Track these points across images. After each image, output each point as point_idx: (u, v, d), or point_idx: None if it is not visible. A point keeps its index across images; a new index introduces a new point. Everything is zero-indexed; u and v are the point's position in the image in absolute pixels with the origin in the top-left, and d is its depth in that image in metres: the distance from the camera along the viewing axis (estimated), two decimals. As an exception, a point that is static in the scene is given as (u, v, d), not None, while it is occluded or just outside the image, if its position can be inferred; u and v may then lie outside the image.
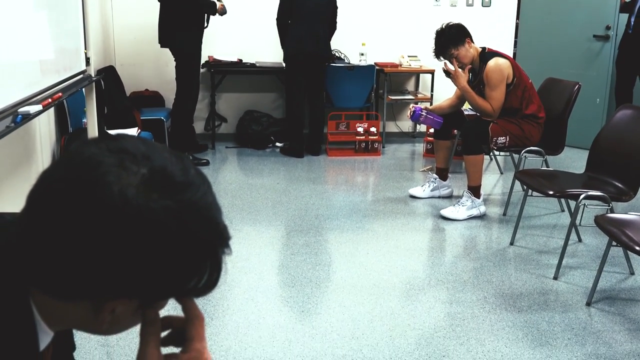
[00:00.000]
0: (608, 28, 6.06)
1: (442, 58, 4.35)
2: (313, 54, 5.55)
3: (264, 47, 6.07)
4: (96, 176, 0.73)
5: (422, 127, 6.53)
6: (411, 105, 4.64)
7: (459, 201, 4.28)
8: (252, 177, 5.12)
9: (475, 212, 4.23)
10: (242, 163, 5.51)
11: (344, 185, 4.96)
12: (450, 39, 4.25)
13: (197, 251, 0.77)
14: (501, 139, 4.25)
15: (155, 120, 5.34)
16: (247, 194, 4.62)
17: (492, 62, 4.19)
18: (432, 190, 4.60)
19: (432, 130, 5.86)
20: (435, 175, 4.64)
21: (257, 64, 5.94)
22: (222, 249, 0.82)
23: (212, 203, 0.80)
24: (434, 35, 4.33)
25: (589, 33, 6.14)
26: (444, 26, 4.31)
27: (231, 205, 4.31)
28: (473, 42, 4.31)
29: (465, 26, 4.33)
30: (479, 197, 4.28)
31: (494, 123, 4.24)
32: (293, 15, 5.52)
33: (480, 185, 4.30)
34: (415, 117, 4.46)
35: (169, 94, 6.04)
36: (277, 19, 5.58)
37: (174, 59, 5.17)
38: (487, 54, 4.27)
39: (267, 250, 3.66)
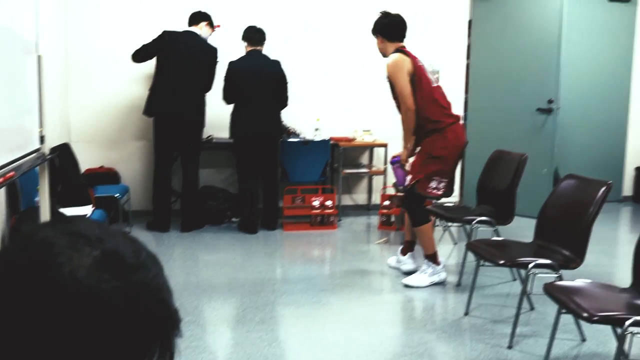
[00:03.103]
0: (550, 102, 6.37)
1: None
2: (260, 136, 5.53)
3: (220, 123, 6.15)
4: (48, 257, 0.75)
5: (376, 200, 6.63)
6: (395, 152, 4.67)
7: (420, 269, 4.33)
8: (208, 253, 5.09)
9: (436, 278, 4.28)
10: (198, 239, 5.48)
11: (300, 260, 4.97)
12: (377, 26, 4.40)
13: (146, 333, 0.79)
14: (432, 185, 4.26)
15: (109, 197, 5.31)
16: (203, 270, 4.59)
17: (388, 60, 4.30)
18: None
19: (386, 202, 5.98)
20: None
21: (214, 140, 6.01)
22: (173, 331, 0.83)
23: (163, 285, 0.82)
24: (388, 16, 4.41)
25: (533, 107, 6.44)
26: (395, 15, 4.41)
27: (186, 283, 4.26)
28: (397, 42, 4.35)
29: (401, 27, 4.40)
30: (438, 264, 4.33)
31: (416, 182, 4.27)
32: (238, 95, 5.48)
33: (435, 252, 4.36)
34: (393, 162, 4.56)
35: (125, 170, 6.06)
36: (223, 99, 5.58)
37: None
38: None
39: (221, 328, 3.61)
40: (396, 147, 6.56)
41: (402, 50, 4.32)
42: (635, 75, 7.26)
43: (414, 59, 4.31)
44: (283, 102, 5.67)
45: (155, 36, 5.43)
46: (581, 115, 7.10)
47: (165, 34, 5.42)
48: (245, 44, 5.59)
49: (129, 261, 0.79)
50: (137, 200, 6.03)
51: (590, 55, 7.04)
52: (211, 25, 5.65)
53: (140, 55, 5.47)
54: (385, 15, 4.43)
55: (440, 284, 4.27)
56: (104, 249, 0.78)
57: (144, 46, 5.44)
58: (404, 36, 4.43)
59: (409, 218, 4.46)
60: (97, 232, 0.80)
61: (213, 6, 5.95)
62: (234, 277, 4.43)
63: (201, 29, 5.56)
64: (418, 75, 4.25)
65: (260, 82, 5.46)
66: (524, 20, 6.48)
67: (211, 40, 5.66)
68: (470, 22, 6.78)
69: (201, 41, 5.52)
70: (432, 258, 4.32)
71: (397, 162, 4.51)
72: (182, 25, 5.61)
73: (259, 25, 5.71)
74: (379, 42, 4.42)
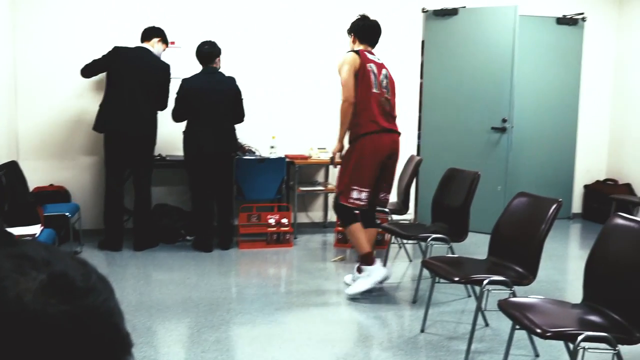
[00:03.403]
0: (504, 121, 6.53)
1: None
2: (215, 153, 5.46)
3: (173, 141, 6.08)
4: None
5: (332, 217, 6.63)
6: None
7: (354, 277, 4.36)
8: (162, 272, 5.00)
9: (375, 278, 4.32)
10: (151, 258, 5.38)
11: (256, 278, 4.92)
12: (353, 26, 4.59)
13: (97, 358, 0.76)
14: (354, 195, 4.30)
15: (59, 216, 5.17)
16: (156, 290, 4.50)
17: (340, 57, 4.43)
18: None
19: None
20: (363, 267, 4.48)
21: (167, 158, 5.93)
22: (125, 356, 0.80)
23: (114, 309, 0.79)
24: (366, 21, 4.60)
25: (488, 125, 6.58)
26: (371, 20, 4.59)
27: (138, 303, 4.17)
28: (365, 45, 4.50)
29: (373, 32, 4.58)
30: (372, 264, 4.34)
31: (339, 193, 4.39)
32: (192, 112, 5.41)
33: (369, 252, 4.37)
34: None
35: (76, 188, 5.92)
36: (172, 117, 5.53)
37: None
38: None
39: (176, 349, 3.53)
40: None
41: (358, 52, 4.41)
42: (582, 95, 7.48)
43: (365, 60, 4.35)
44: (239, 118, 5.61)
45: (105, 52, 5.36)
46: (533, 135, 7.27)
47: (116, 50, 5.35)
48: (199, 61, 5.55)
49: (78, 284, 0.76)
50: (88, 219, 5.90)
51: (541, 76, 7.23)
52: (164, 41, 5.59)
53: (89, 71, 5.40)
54: (362, 18, 4.59)
55: (391, 305, 4.27)
56: (52, 272, 0.75)
57: (94, 61, 5.37)
58: (375, 41, 4.56)
59: (339, 219, 4.51)
60: (44, 255, 0.77)
61: (167, 22, 5.91)
62: (188, 297, 4.36)
63: (153, 46, 5.49)
64: (360, 75, 4.29)
65: (214, 99, 5.40)
66: (478, 40, 6.62)
67: (167, 58, 5.60)
68: (423, 42, 6.88)
69: (153, 58, 5.45)
70: (366, 258, 4.35)
71: None
72: (134, 41, 5.54)
73: (220, 43, 5.68)
74: (352, 42, 4.55)
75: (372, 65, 4.37)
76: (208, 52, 5.49)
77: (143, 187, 5.53)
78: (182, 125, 5.60)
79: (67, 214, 5.21)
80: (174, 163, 5.92)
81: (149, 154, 5.55)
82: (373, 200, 4.46)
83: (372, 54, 4.48)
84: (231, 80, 5.54)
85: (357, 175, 4.29)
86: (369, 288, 4.32)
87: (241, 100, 5.58)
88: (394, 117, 4.48)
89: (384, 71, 4.44)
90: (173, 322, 3.89)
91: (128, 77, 5.31)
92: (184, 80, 5.46)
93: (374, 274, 4.33)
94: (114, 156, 5.44)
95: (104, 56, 5.35)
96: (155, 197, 5.86)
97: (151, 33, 5.51)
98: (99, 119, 5.38)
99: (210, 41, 5.55)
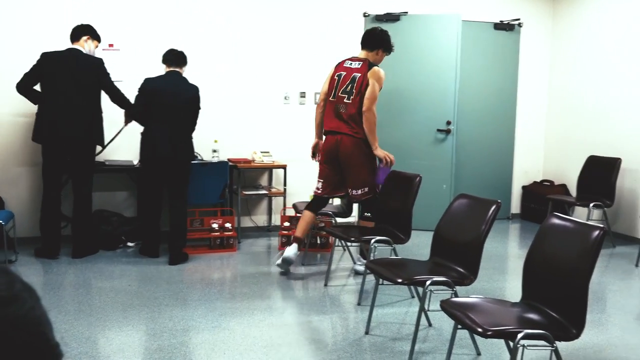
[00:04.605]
0: (449, 123, 6.71)
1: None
2: (169, 159, 5.29)
3: (114, 145, 5.95)
4: None
5: (276, 221, 6.62)
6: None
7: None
8: (102, 280, 4.88)
9: (289, 252, 4.99)
10: (91, 265, 5.24)
11: (199, 284, 4.85)
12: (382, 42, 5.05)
13: None
14: (317, 185, 5.11)
15: (-7, 223, 4.99)
16: (96, 298, 4.38)
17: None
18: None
19: (286, 223, 5.97)
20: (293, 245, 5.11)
21: (107, 163, 5.80)
22: (53, 367, 0.77)
23: (40, 318, 0.76)
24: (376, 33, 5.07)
25: (433, 128, 6.74)
26: (379, 30, 5.08)
27: (78, 312, 4.06)
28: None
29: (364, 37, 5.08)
30: (296, 244, 5.05)
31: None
32: (150, 111, 5.28)
33: (300, 238, 5.10)
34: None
35: (10, 196, 5.73)
36: (131, 113, 5.41)
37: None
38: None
39: (116, 359, 3.45)
40: (295, 168, 6.61)
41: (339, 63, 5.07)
42: (520, 99, 7.68)
43: (336, 70, 5.03)
44: (194, 126, 5.48)
45: (35, 61, 5.19)
46: (474, 137, 7.43)
47: (45, 56, 5.19)
48: (164, 65, 5.43)
49: (2, 293, 0.73)
50: (23, 226, 5.71)
51: (481, 79, 7.40)
52: (94, 37, 5.39)
53: (23, 86, 5.19)
54: (385, 32, 5.08)
55: (337, 308, 4.29)
56: None
57: (25, 75, 5.19)
58: (365, 46, 5.07)
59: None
60: None
61: (105, 25, 5.78)
62: (129, 304, 4.27)
63: (83, 45, 5.32)
64: (330, 83, 5.04)
65: (175, 103, 5.26)
66: (421, 46, 6.74)
67: (106, 60, 5.46)
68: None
69: (83, 57, 5.27)
70: (297, 240, 5.07)
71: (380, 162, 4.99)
72: (67, 44, 5.37)
73: (157, 47, 5.59)
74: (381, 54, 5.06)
75: (341, 73, 4.95)
76: (173, 57, 5.39)
77: (83, 193, 5.38)
78: (128, 128, 5.48)
79: (0, 221, 5.03)
80: (114, 168, 5.79)
81: (89, 158, 5.39)
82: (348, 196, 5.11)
83: (354, 60, 5.00)
84: (195, 88, 5.39)
85: (319, 168, 5.14)
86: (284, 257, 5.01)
87: (198, 110, 5.44)
88: (348, 121, 4.87)
89: (353, 75, 4.88)
90: (114, 330, 3.79)
91: (61, 82, 5.16)
92: (147, 80, 5.31)
93: (292, 251, 5.03)
94: (51, 161, 5.29)
95: (33, 66, 5.18)
96: (95, 203, 5.71)
97: (79, 32, 5.33)
98: (35, 128, 5.22)
99: (176, 49, 5.48)
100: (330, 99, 4.96)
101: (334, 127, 4.91)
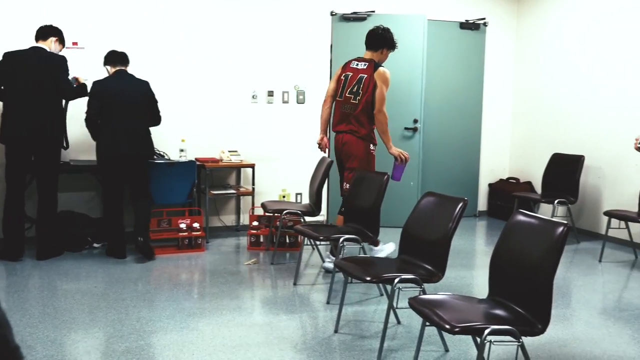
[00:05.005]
0: (416, 121, 6.77)
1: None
2: (128, 157, 5.31)
3: (79, 145, 5.86)
4: None
5: (245, 221, 6.60)
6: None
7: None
8: (67, 282, 4.80)
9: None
10: (56, 267, 5.16)
11: (167, 284, 4.80)
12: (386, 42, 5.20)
13: None
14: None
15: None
16: (62, 300, 4.31)
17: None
18: None
19: (255, 223, 5.95)
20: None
21: (72, 163, 5.71)
22: (13, 370, 0.76)
23: None
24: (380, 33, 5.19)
25: (401, 125, 6.79)
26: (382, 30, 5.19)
27: (42, 315, 3.99)
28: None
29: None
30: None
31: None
32: (104, 112, 5.25)
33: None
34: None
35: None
36: (86, 117, 5.33)
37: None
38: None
39: (83, 361, 3.40)
40: (263, 167, 6.59)
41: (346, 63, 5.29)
42: (486, 97, 7.77)
43: (342, 71, 5.25)
44: (156, 121, 5.54)
45: None
46: (441, 135, 7.50)
47: (6, 56, 5.12)
48: (109, 67, 5.39)
49: None
50: (-14, 228, 5.59)
51: (447, 78, 7.47)
52: (61, 42, 5.33)
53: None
54: (388, 32, 5.21)
55: (306, 307, 4.29)
56: None
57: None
58: (369, 46, 5.23)
59: None
60: None
61: (70, 23, 5.69)
62: (95, 306, 4.21)
63: (50, 46, 5.24)
64: (337, 83, 5.29)
65: (128, 101, 5.28)
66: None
67: (70, 59, 5.38)
68: (331, 47, 6.94)
69: (46, 55, 5.19)
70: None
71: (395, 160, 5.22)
72: (28, 43, 5.27)
73: (123, 46, 5.53)
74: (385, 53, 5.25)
75: (348, 74, 5.16)
76: (117, 57, 5.39)
77: (47, 193, 5.29)
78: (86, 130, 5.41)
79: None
80: (79, 168, 5.70)
81: (53, 157, 5.30)
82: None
83: (360, 60, 5.18)
84: (145, 83, 5.43)
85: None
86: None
87: (156, 103, 5.49)
88: (351, 120, 5.11)
89: (359, 76, 5.08)
90: (80, 333, 3.74)
91: (22, 80, 5.08)
92: (96, 82, 5.29)
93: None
94: (14, 161, 5.19)
95: None
96: (60, 204, 5.62)
97: (48, 32, 5.25)
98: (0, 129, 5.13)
99: (116, 50, 5.47)
100: (337, 98, 5.23)
101: (341, 127, 5.20)
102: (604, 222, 6.18)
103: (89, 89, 5.28)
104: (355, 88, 5.08)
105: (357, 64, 5.17)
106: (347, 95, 5.15)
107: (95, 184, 5.99)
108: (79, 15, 5.87)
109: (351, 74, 5.15)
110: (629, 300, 4.63)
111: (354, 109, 5.10)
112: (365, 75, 5.06)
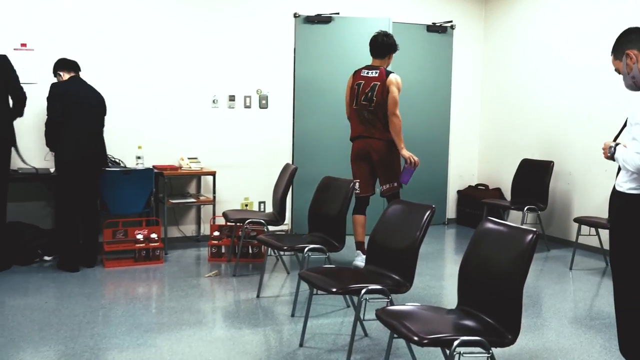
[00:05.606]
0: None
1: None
2: (92, 159, 5.23)
3: (29, 151, 5.60)
4: None
5: (205, 231, 6.41)
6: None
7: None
8: (15, 297, 4.54)
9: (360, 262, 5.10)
10: (3, 282, 4.89)
11: (123, 298, 4.58)
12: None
13: None
14: (355, 186, 5.05)
15: None
16: (8, 318, 4.06)
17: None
18: None
19: (216, 233, 5.76)
20: (358, 251, 5.32)
21: (20, 171, 5.45)
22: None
23: None
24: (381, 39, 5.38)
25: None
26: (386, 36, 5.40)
27: (-14, 334, 3.74)
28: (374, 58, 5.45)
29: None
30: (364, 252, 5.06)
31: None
32: (66, 116, 5.09)
33: (358, 242, 5.35)
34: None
35: None
36: (47, 121, 5.13)
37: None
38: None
39: (28, 384, 3.17)
40: (225, 175, 6.41)
41: (355, 72, 5.46)
42: (454, 102, 7.69)
43: (354, 80, 5.41)
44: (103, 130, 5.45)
45: None
46: (408, 140, 7.23)
47: None
48: (62, 73, 5.22)
49: None
50: None
51: (414, 82, 7.32)
52: None
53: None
54: (389, 37, 5.42)
55: (270, 320, 4.12)
56: None
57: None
58: (374, 53, 5.42)
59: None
60: None
61: (20, 25, 5.45)
62: (46, 323, 3.97)
63: None
64: (349, 94, 5.48)
65: (88, 106, 5.23)
66: (353, 48, 6.61)
67: (20, 60, 5.13)
68: (295, 50, 6.79)
69: None
70: (360, 246, 5.28)
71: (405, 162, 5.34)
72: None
73: (76, 48, 5.32)
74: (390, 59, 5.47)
75: (360, 82, 5.34)
76: (71, 63, 5.28)
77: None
78: (39, 136, 5.19)
79: None
80: (27, 176, 5.44)
81: (2, 163, 5.04)
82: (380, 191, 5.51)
83: (370, 68, 5.37)
84: (99, 92, 5.38)
85: (352, 171, 5.50)
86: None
87: (105, 113, 5.45)
88: (373, 125, 5.33)
89: (372, 84, 5.27)
90: (29, 352, 3.51)
91: None
92: (56, 84, 5.16)
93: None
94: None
95: None
96: (8, 214, 5.33)
97: None
98: None
99: (66, 58, 5.34)
100: (353, 106, 5.40)
101: (362, 132, 5.38)
102: (574, 229, 6.10)
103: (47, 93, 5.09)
104: (369, 95, 5.27)
105: (368, 72, 5.34)
106: (362, 102, 5.32)
107: (45, 193, 5.74)
108: (29, 17, 5.63)
109: (363, 82, 5.32)
110: (600, 309, 4.55)
111: (371, 115, 5.30)
112: (378, 83, 5.26)
